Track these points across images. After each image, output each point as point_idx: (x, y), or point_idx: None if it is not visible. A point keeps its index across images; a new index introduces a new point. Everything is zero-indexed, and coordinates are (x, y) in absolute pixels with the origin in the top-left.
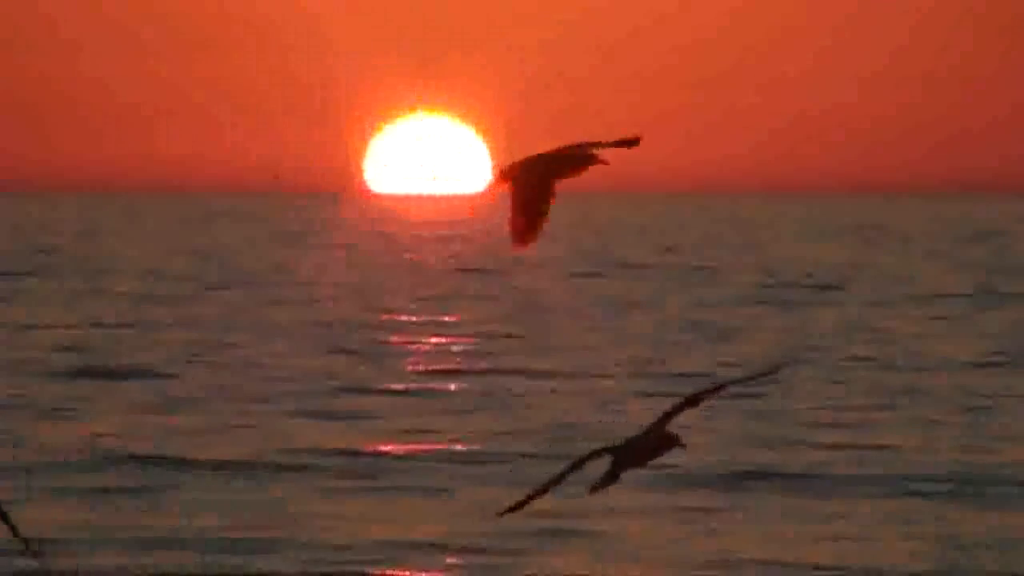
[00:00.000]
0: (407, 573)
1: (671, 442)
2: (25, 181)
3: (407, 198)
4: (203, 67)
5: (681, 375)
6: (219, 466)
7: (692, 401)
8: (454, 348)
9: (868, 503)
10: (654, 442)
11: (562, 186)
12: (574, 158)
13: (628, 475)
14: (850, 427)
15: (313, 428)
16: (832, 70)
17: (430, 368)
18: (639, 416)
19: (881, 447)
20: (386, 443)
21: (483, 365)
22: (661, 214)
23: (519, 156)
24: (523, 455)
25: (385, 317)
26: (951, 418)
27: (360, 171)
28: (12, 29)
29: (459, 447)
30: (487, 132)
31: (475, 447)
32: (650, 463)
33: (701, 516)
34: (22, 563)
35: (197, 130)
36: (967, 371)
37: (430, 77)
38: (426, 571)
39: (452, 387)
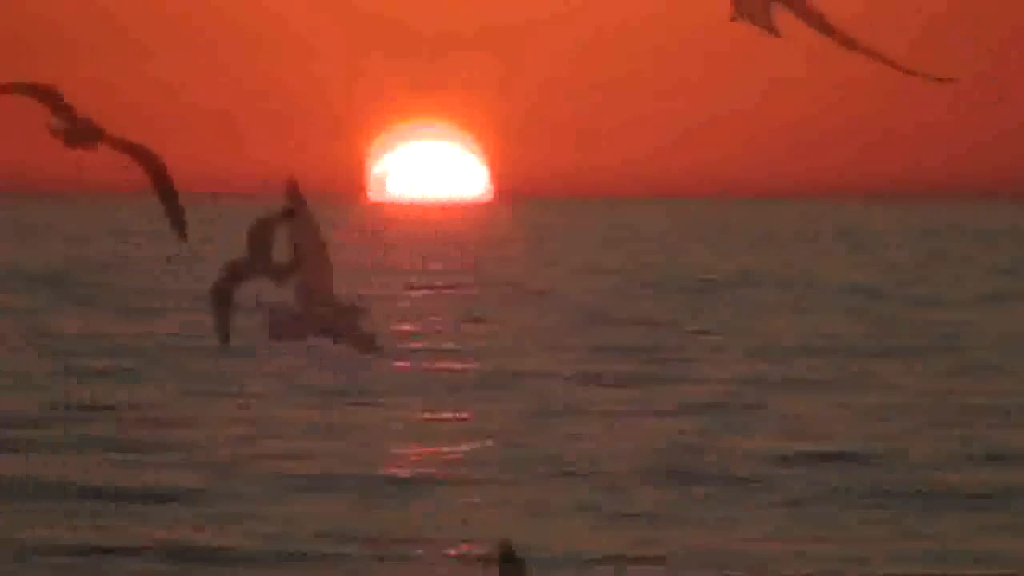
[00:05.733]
0: None
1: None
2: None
3: (408, 206)
4: (205, 73)
5: None
6: None
7: None
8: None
9: None
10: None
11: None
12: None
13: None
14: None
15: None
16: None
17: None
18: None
19: None
20: None
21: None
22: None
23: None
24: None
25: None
26: None
27: (363, 180)
28: (17, 31)
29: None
30: (485, 140)
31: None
32: None
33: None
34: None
35: (198, 134)
36: None
37: (428, 86)
38: None
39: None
